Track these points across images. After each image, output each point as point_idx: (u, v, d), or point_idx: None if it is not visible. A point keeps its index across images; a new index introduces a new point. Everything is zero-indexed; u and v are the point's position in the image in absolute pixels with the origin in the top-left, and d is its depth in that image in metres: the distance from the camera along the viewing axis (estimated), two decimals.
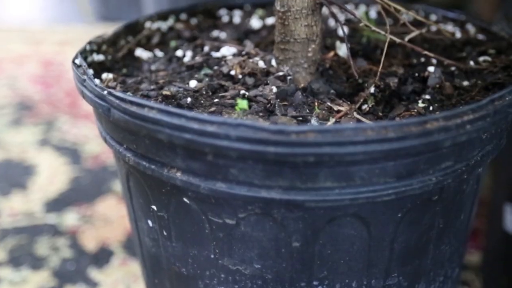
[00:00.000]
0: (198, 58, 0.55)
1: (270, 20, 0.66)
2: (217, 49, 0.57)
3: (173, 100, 0.47)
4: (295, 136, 0.37)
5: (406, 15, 0.67)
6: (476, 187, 0.50)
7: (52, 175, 1.01)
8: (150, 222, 0.49)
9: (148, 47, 0.62)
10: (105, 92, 0.44)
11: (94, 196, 0.96)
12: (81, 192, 0.97)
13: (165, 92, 0.47)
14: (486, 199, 0.86)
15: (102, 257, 0.82)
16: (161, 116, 0.39)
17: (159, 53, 0.60)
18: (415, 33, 0.53)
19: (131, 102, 0.41)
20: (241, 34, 0.64)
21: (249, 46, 0.57)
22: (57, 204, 0.94)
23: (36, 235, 0.86)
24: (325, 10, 0.52)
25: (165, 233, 0.48)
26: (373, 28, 0.51)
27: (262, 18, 0.68)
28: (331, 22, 0.66)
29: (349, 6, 0.71)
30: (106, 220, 0.90)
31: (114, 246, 0.84)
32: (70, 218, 0.90)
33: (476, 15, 1.38)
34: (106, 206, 0.94)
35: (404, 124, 0.38)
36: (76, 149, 1.10)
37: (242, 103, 0.44)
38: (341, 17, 0.66)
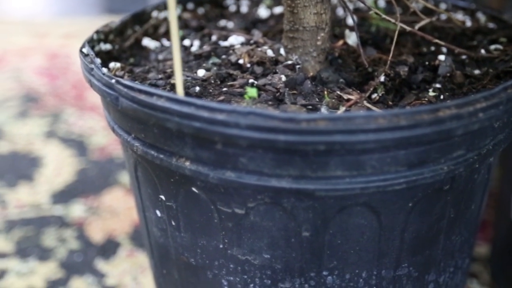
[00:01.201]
0: (206, 47, 0.54)
1: (277, 9, 0.66)
2: (225, 38, 0.57)
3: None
4: (306, 124, 0.36)
5: (416, 3, 0.66)
6: (487, 177, 0.49)
7: (58, 167, 1.01)
8: (158, 212, 0.49)
9: (155, 36, 0.61)
10: (113, 80, 0.43)
11: (100, 188, 0.96)
12: (88, 183, 0.97)
13: (173, 81, 0.47)
14: (495, 190, 0.85)
15: (109, 248, 0.82)
16: (170, 105, 0.39)
17: (166, 43, 0.60)
18: (425, 21, 0.53)
19: (140, 91, 0.41)
20: (249, 24, 0.64)
21: (257, 35, 0.56)
22: (63, 196, 0.94)
23: (43, 226, 0.86)
24: None
25: (173, 223, 0.48)
26: (383, 16, 0.50)
27: (270, 7, 0.68)
28: (340, 11, 0.66)
29: None
30: (112, 212, 0.90)
31: (121, 238, 0.84)
32: (77, 210, 0.90)
33: (484, 4, 1.37)
34: (113, 197, 0.93)
35: (416, 111, 0.37)
36: (82, 141, 1.09)
37: (252, 91, 0.44)
38: (350, 6, 0.65)
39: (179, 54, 0.40)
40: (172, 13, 0.38)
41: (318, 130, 0.36)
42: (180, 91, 0.41)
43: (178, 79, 0.41)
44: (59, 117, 1.18)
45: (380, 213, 0.42)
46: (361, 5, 0.69)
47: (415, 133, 0.37)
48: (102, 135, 1.10)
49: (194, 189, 0.44)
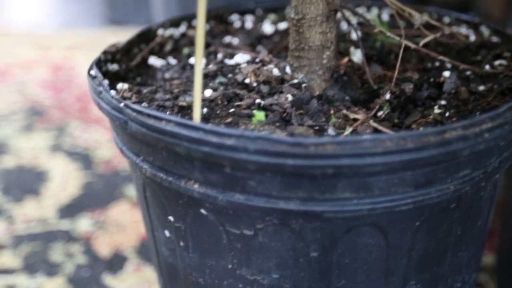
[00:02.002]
0: (212, 66, 0.55)
1: (282, 25, 0.66)
2: (231, 56, 0.57)
3: (189, 111, 0.47)
4: (314, 149, 0.37)
5: (419, 18, 0.66)
6: (494, 193, 0.50)
7: (64, 180, 1.02)
8: (167, 232, 0.49)
9: (161, 54, 0.62)
10: (122, 104, 0.44)
11: (106, 202, 0.96)
12: (94, 197, 0.98)
13: (181, 103, 0.47)
14: (501, 199, 0.86)
15: (116, 263, 0.83)
16: (179, 129, 0.40)
17: (172, 61, 0.60)
18: (429, 37, 0.53)
19: (149, 115, 0.41)
20: (254, 40, 0.64)
21: (262, 53, 0.57)
22: (70, 210, 0.94)
23: (50, 241, 0.87)
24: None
25: (182, 243, 0.48)
26: (388, 33, 0.51)
27: (274, 23, 0.68)
28: (344, 25, 0.66)
29: (361, 9, 0.71)
30: (119, 226, 0.90)
31: (128, 252, 0.84)
32: (83, 224, 0.91)
33: (486, 15, 1.37)
34: (119, 211, 0.94)
35: (423, 134, 0.38)
36: (87, 154, 1.10)
37: (259, 115, 0.44)
38: (354, 20, 0.65)
39: (200, 84, 0.40)
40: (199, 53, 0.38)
41: (326, 154, 0.37)
42: (197, 118, 0.41)
43: (197, 107, 0.41)
44: (64, 130, 1.18)
45: (387, 232, 0.43)
46: (366, 17, 0.70)
47: (422, 155, 0.38)
48: (107, 148, 1.11)
49: (202, 211, 0.44)
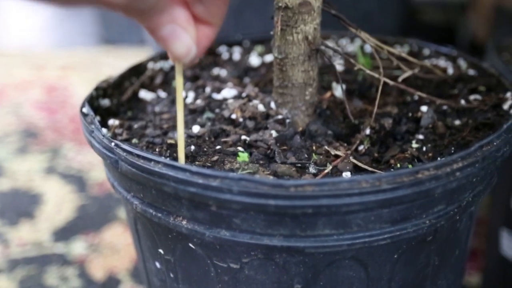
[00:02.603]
0: (200, 102, 0.57)
1: (268, 57, 0.69)
2: (218, 90, 0.59)
3: (177, 148, 0.49)
4: (294, 190, 0.39)
5: (400, 48, 0.69)
6: (470, 223, 0.52)
7: (59, 203, 1.04)
8: (157, 264, 0.51)
9: (151, 87, 0.64)
10: (113, 144, 0.46)
11: (100, 224, 0.98)
12: (88, 220, 0.99)
13: (170, 140, 0.50)
14: (485, 218, 0.88)
15: (110, 286, 0.84)
16: (167, 170, 0.42)
17: (162, 94, 0.63)
18: (407, 73, 0.56)
19: (138, 156, 0.44)
20: (241, 72, 0.66)
21: (249, 87, 0.59)
22: (64, 233, 0.96)
23: (45, 265, 0.89)
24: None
25: (172, 275, 0.50)
26: (368, 71, 0.53)
27: (261, 54, 0.70)
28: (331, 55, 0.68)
29: (345, 40, 0.74)
30: (113, 248, 0.92)
31: (122, 275, 0.86)
32: (78, 247, 0.92)
33: (471, 34, 1.40)
34: (113, 233, 0.96)
35: (397, 174, 0.40)
36: (81, 176, 1.12)
37: (243, 156, 0.46)
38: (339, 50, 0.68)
39: (183, 130, 0.44)
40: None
41: (306, 195, 0.39)
42: (182, 159, 0.44)
43: (181, 149, 0.44)
44: (58, 152, 1.20)
45: (367, 265, 0.45)
46: (349, 48, 0.73)
47: (396, 194, 0.40)
48: (101, 170, 1.13)
49: (191, 245, 0.46)
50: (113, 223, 0.98)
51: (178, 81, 0.43)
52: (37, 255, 0.91)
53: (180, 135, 0.44)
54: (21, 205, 1.03)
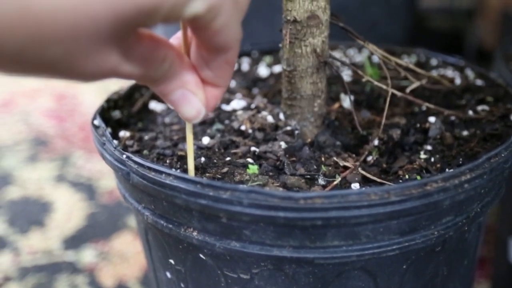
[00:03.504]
0: (210, 113, 0.58)
1: (277, 68, 0.69)
2: (228, 101, 0.60)
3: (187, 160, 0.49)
4: (303, 202, 0.40)
5: (408, 58, 0.69)
6: (479, 233, 0.52)
7: (69, 211, 1.05)
8: (168, 274, 0.52)
9: (161, 99, 0.65)
10: (124, 156, 0.47)
11: (110, 232, 0.99)
12: (98, 228, 1.00)
13: (180, 152, 0.50)
14: (494, 226, 0.88)
15: None
16: (178, 183, 0.42)
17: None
18: (415, 84, 0.56)
19: (149, 168, 0.44)
20: (250, 82, 0.67)
21: (258, 98, 0.60)
22: (74, 241, 0.97)
23: (55, 273, 0.89)
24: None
25: (182, 285, 0.50)
26: (375, 82, 0.54)
27: (270, 65, 0.71)
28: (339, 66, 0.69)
29: (352, 50, 0.74)
30: (122, 257, 0.93)
31: (131, 283, 0.87)
32: (88, 255, 0.93)
33: (479, 41, 1.40)
34: (122, 242, 0.96)
35: (405, 187, 0.41)
36: (91, 184, 1.13)
37: (253, 168, 0.47)
38: (346, 60, 0.68)
39: (192, 145, 0.45)
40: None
41: (315, 208, 0.40)
42: (191, 172, 0.45)
43: (190, 162, 0.45)
44: (68, 160, 1.21)
45: (376, 276, 0.45)
46: (357, 59, 0.73)
47: (405, 206, 0.41)
48: (110, 178, 1.13)
49: (201, 255, 0.47)
50: (122, 231, 0.99)
51: (188, 138, 0.45)
52: (47, 263, 0.92)
53: (189, 149, 0.45)
54: (32, 213, 1.04)
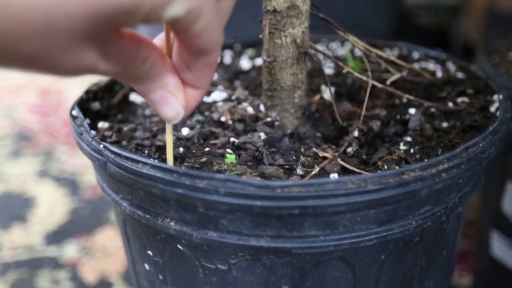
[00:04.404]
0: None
1: (259, 61, 0.69)
2: (208, 93, 0.60)
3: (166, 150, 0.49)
4: (280, 191, 0.39)
5: (390, 52, 0.69)
6: (458, 224, 0.52)
7: (51, 206, 1.04)
8: (146, 266, 0.51)
9: None
10: (102, 146, 0.46)
11: (93, 227, 0.98)
12: (81, 223, 0.99)
13: (159, 142, 0.50)
14: (476, 220, 0.88)
15: None
16: (154, 172, 0.42)
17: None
18: (396, 76, 0.56)
19: (126, 158, 0.44)
20: (232, 75, 0.67)
21: (238, 90, 0.60)
22: (57, 236, 0.96)
23: (37, 268, 0.89)
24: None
25: (160, 276, 0.50)
26: (356, 74, 0.54)
27: (252, 58, 0.71)
28: (319, 58, 0.69)
29: (335, 44, 0.74)
30: (105, 252, 0.92)
31: (114, 278, 0.86)
32: (70, 250, 0.92)
33: (464, 37, 1.41)
34: (105, 237, 0.96)
35: (382, 175, 0.40)
36: (74, 179, 1.12)
37: (230, 157, 0.46)
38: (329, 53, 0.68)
39: (171, 133, 0.44)
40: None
41: (292, 196, 0.39)
42: (170, 161, 0.44)
43: (169, 151, 0.44)
44: (51, 155, 1.20)
45: (354, 266, 0.45)
46: (340, 52, 0.73)
47: (382, 195, 0.40)
48: (94, 173, 1.12)
49: (179, 246, 0.46)
50: (105, 226, 0.98)
51: (168, 127, 0.44)
52: (29, 258, 0.91)
53: (168, 139, 0.45)
54: (14, 209, 1.03)
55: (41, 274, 0.87)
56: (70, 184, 1.10)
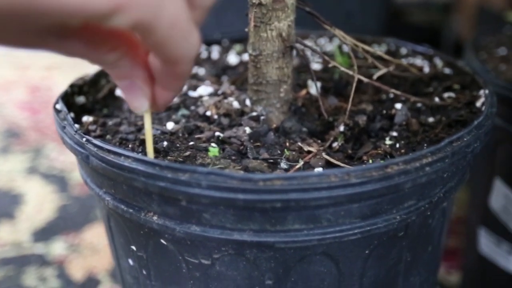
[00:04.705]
0: (176, 99, 0.57)
1: (247, 56, 0.69)
2: (194, 88, 0.59)
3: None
4: (263, 184, 0.39)
5: (378, 47, 0.69)
6: (443, 220, 0.52)
7: (40, 203, 1.03)
8: (130, 261, 0.51)
9: None
10: (84, 139, 0.46)
11: (81, 224, 0.98)
12: (69, 220, 0.99)
13: (143, 136, 0.49)
14: (465, 217, 0.88)
15: (89, 286, 0.84)
16: (136, 165, 0.41)
17: None
18: (382, 71, 0.56)
19: (108, 151, 0.43)
20: (219, 70, 0.66)
21: (225, 85, 0.59)
22: (44, 233, 0.95)
23: (24, 265, 0.88)
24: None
25: (144, 272, 0.50)
26: (342, 68, 0.53)
27: (239, 53, 0.70)
28: (307, 54, 0.68)
29: (323, 40, 0.74)
30: (93, 249, 0.92)
31: (101, 275, 0.86)
32: (57, 247, 0.92)
33: (456, 34, 1.41)
34: (94, 234, 0.95)
35: (366, 169, 0.40)
36: (63, 176, 1.11)
37: (213, 151, 0.46)
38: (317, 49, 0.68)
39: (150, 125, 0.44)
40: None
41: (274, 189, 0.39)
42: (150, 154, 0.44)
43: (149, 144, 0.44)
44: (40, 152, 1.19)
45: (338, 260, 0.45)
46: (328, 48, 0.73)
47: (365, 189, 0.40)
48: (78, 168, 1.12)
49: (162, 241, 0.46)
50: (94, 223, 0.98)
51: (147, 131, 0.45)
52: (16, 255, 0.90)
53: (147, 130, 0.44)
54: (1, 206, 1.02)
55: (28, 271, 0.86)
56: (59, 181, 1.10)
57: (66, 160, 1.16)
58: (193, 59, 0.38)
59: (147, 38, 0.34)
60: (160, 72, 0.39)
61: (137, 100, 0.40)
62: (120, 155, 0.43)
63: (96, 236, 0.94)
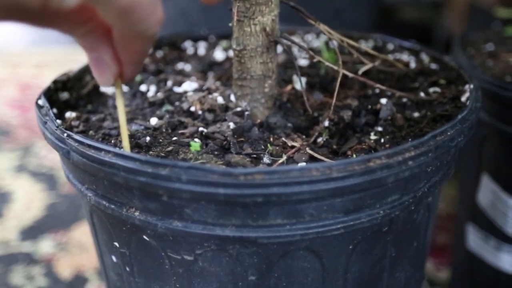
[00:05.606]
0: (160, 94, 0.56)
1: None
2: (179, 84, 0.59)
3: (132, 139, 0.48)
4: (243, 178, 0.39)
5: (365, 43, 0.69)
6: (428, 215, 0.52)
7: (28, 202, 1.02)
8: (114, 258, 0.50)
9: None
10: (65, 135, 0.45)
11: (70, 222, 0.97)
12: (57, 218, 0.98)
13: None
14: (455, 214, 0.88)
15: (77, 284, 0.83)
16: (117, 160, 0.41)
17: (123, 88, 0.62)
18: (367, 66, 0.56)
19: (89, 146, 0.43)
20: (205, 66, 0.66)
21: (210, 81, 0.59)
22: (32, 232, 0.95)
23: (11, 264, 0.87)
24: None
25: (128, 268, 0.49)
26: (327, 63, 0.53)
27: (226, 49, 0.70)
28: (294, 50, 0.68)
29: (310, 36, 0.73)
30: (81, 247, 0.91)
31: (89, 273, 0.85)
32: (45, 246, 0.91)
33: (447, 30, 1.41)
34: (82, 232, 0.95)
35: (348, 163, 0.40)
36: (53, 174, 1.11)
37: (195, 145, 0.46)
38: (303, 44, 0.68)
39: (125, 118, 0.45)
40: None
41: (255, 184, 0.39)
42: (126, 147, 0.43)
43: (124, 137, 0.43)
44: (30, 150, 1.19)
45: (322, 256, 0.45)
46: (314, 44, 0.72)
47: (347, 183, 0.40)
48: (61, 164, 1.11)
49: (145, 237, 0.45)
50: (82, 221, 0.97)
51: (122, 122, 0.46)
52: (3, 254, 0.89)
53: (122, 124, 0.44)
54: None
55: (15, 270, 0.86)
56: (48, 179, 1.09)
57: (55, 158, 1.15)
58: (153, 36, 0.40)
59: (103, 12, 0.37)
60: (119, 46, 0.41)
61: (103, 74, 0.43)
62: (100, 150, 0.42)
63: (84, 234, 0.94)
